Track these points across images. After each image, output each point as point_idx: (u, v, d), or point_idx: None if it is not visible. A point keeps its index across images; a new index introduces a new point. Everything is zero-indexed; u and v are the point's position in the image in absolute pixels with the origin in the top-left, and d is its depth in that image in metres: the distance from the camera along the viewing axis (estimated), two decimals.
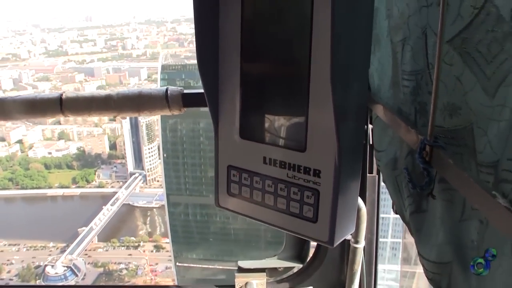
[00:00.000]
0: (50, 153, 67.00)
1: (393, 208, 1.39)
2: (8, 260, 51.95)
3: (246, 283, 2.06)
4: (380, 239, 2.20)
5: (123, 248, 54.12)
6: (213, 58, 1.27)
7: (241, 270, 2.08)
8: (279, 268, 2.13)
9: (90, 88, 71.10)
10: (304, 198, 1.16)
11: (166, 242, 48.16)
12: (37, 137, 68.48)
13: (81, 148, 68.06)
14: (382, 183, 1.96)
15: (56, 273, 48.95)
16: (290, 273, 2.18)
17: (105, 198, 59.57)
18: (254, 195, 1.26)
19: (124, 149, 64.55)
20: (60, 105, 1.69)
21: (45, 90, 68.19)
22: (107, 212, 56.45)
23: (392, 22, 1.31)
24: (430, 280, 1.05)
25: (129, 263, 52.26)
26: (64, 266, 49.60)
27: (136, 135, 63.48)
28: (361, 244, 1.88)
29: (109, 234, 55.05)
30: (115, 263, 52.10)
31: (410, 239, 1.22)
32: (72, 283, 48.08)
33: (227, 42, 1.25)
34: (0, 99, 1.76)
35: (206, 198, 39.18)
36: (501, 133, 0.76)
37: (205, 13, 1.21)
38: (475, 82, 0.84)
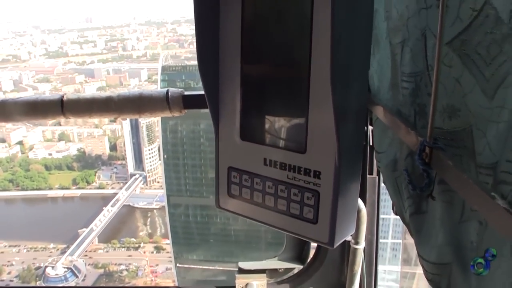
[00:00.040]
0: (50, 154, 67.06)
1: (393, 209, 1.39)
2: (8, 262, 51.97)
3: (247, 284, 2.06)
4: (381, 240, 2.20)
5: (123, 249, 54.15)
6: (214, 60, 1.27)
7: (241, 271, 2.09)
8: (279, 269, 2.14)
9: (90, 89, 71.27)
10: (305, 200, 1.16)
11: (167, 243, 48.17)
12: (37, 138, 68.54)
13: (82, 149, 68.11)
14: (382, 184, 1.97)
15: (57, 274, 48.95)
16: (291, 274, 2.18)
17: (106, 199, 59.60)
18: (255, 196, 1.26)
19: (125, 150, 64.61)
20: (61, 107, 1.70)
21: (45, 91, 68.40)
22: (107, 213, 56.47)
23: (391, 24, 1.32)
24: (429, 281, 1.05)
25: (129, 264, 52.28)
26: (64, 267, 49.61)
27: (137, 136, 63.53)
28: (361, 245, 1.88)
29: (110, 235, 55.07)
30: (115, 264, 52.12)
31: (410, 240, 1.23)
32: (73, 284, 48.17)
33: (228, 44, 1.25)
34: (2, 101, 1.77)
35: (207, 199, 39.20)
36: (500, 135, 0.76)
37: (206, 14, 1.22)
38: (474, 83, 0.85)
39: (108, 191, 62.69)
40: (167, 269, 49.88)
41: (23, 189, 63.14)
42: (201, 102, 1.60)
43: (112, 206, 57.68)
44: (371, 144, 1.76)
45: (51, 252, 52.76)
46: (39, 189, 63.64)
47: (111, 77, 79.01)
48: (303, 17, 1.07)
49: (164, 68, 45.74)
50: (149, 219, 58.58)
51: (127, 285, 50.36)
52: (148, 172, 63.66)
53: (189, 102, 1.73)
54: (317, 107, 1.09)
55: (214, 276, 39.53)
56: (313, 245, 1.78)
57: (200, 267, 40.60)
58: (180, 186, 40.85)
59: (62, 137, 69.29)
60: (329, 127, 1.04)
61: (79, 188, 64.16)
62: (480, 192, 0.76)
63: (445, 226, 0.99)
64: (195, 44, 1.24)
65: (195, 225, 40.51)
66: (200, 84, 1.26)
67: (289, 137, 1.20)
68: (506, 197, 0.72)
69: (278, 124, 1.22)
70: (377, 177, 1.95)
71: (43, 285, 49.42)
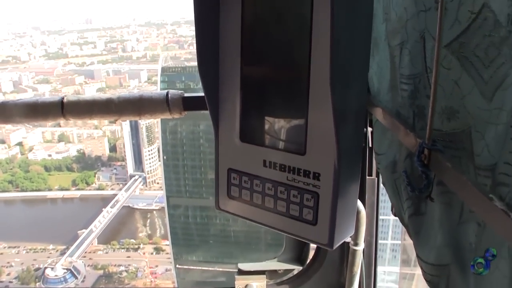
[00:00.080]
0: (50, 155, 66.98)
1: (392, 210, 1.40)
2: (8, 263, 51.89)
3: (246, 285, 2.06)
4: (380, 241, 2.20)
5: (123, 250, 54.07)
6: (214, 61, 1.28)
7: (241, 272, 2.09)
8: (279, 270, 2.14)
9: (90, 91, 71.25)
10: (304, 201, 1.16)
11: (166, 244, 48.09)
12: (37, 140, 68.48)
13: (81, 151, 68.04)
14: (381, 186, 1.97)
15: (56, 275, 48.88)
16: (290, 275, 2.18)
17: (105, 200, 59.53)
18: (254, 198, 1.27)
19: (124, 151, 64.54)
20: (61, 109, 1.70)
21: (45, 92, 68.46)
22: (107, 215, 56.39)
23: (389, 26, 1.32)
24: (428, 282, 1.06)
25: (129, 265, 52.18)
26: (64, 269, 49.52)
27: (136, 137, 63.49)
28: (361, 247, 1.89)
29: (109, 236, 54.99)
30: (115, 265, 52.03)
31: (410, 241, 1.23)
32: (72, 285, 48.12)
33: (228, 45, 1.26)
34: (2, 102, 1.77)
35: (206, 200, 39.15)
36: (498, 137, 0.77)
37: (206, 15, 1.22)
38: (472, 86, 0.85)
39: (107, 192, 62.62)
40: (166, 270, 49.82)
41: (22, 190, 63.05)
42: (201, 104, 1.60)
43: (111, 207, 57.61)
44: (370, 145, 1.77)
45: (50, 253, 52.69)
46: (39, 190, 63.54)
47: (111, 78, 78.96)
48: (303, 19, 1.07)
49: (164, 69, 45.68)
50: (148, 220, 58.51)
51: (126, 286, 50.32)
52: (148, 173, 63.59)
53: (189, 104, 1.73)
54: (317, 108, 1.10)
55: (213, 277, 39.48)
56: (313, 246, 1.79)
57: (200, 268, 40.54)
58: (179, 187, 40.80)
59: (62, 138, 69.24)
60: (329, 128, 1.05)
61: (78, 189, 64.09)
62: (478, 193, 0.77)
63: (444, 227, 1.00)
64: (195, 45, 1.24)
65: (195, 226, 40.45)
66: (200, 85, 1.27)
67: (289, 138, 1.20)
68: (504, 198, 0.72)
69: (278, 126, 1.22)
70: (376, 178, 1.95)
71: (43, 286, 49.31)
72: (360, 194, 1.52)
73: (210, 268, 39.72)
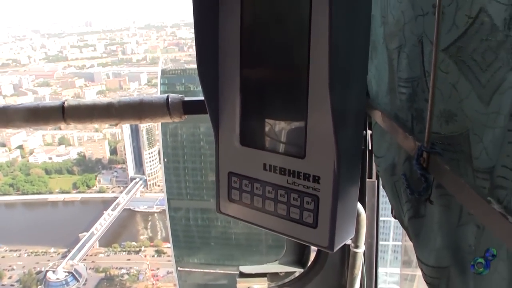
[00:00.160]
0: (50, 158, 67.02)
1: (392, 213, 1.40)
2: (9, 266, 51.86)
3: None
4: (382, 242, 2.21)
5: (124, 253, 54.04)
6: (213, 64, 1.28)
7: (242, 275, 2.09)
8: (280, 272, 2.14)
9: (90, 93, 71.27)
10: (304, 204, 1.17)
11: (167, 247, 48.05)
12: (37, 143, 68.51)
13: (82, 153, 68.07)
14: (382, 188, 1.97)
15: (58, 278, 48.85)
16: (291, 277, 2.19)
17: (106, 203, 59.52)
18: (255, 201, 1.27)
19: (125, 154, 64.56)
20: (62, 113, 1.71)
21: (45, 95, 68.47)
22: (108, 217, 56.38)
23: (387, 29, 1.33)
24: (428, 284, 1.06)
25: (130, 268, 52.14)
26: (65, 272, 49.50)
27: (137, 140, 63.50)
28: (361, 249, 1.89)
29: (110, 239, 54.98)
30: (116, 268, 52.00)
31: (410, 242, 1.23)
32: None
33: (227, 47, 1.26)
34: (3, 107, 1.78)
35: (207, 202, 39.10)
36: (496, 140, 0.78)
37: (205, 18, 1.23)
38: (470, 89, 0.86)
39: (108, 195, 62.61)
40: (168, 272, 49.78)
41: (23, 193, 63.07)
42: (201, 108, 1.61)
43: (112, 210, 57.60)
44: (370, 148, 1.77)
45: (51, 256, 52.67)
46: (40, 193, 63.56)
47: (111, 81, 79.03)
48: (302, 22, 1.08)
49: (163, 72, 45.63)
50: (149, 223, 58.49)
51: None
52: (149, 176, 63.60)
53: (189, 107, 1.74)
54: (316, 112, 1.11)
55: (215, 279, 39.46)
56: (314, 248, 1.79)
57: (201, 270, 40.49)
58: (180, 189, 40.75)
59: (62, 141, 69.27)
60: (328, 132, 1.05)
61: (79, 192, 64.10)
62: (476, 196, 0.77)
63: (443, 229, 1.00)
64: (194, 47, 1.25)
65: (196, 228, 40.40)
66: (200, 88, 1.27)
67: (289, 142, 1.21)
68: (502, 201, 0.73)
69: (278, 130, 1.23)
70: (376, 181, 1.96)
71: None
72: (360, 196, 1.53)
73: (212, 271, 39.68)
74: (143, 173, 64.05)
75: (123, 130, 62.31)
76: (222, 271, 38.62)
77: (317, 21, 1.05)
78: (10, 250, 54.03)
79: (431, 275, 1.06)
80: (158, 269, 51.79)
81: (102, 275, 51.29)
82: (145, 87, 75.87)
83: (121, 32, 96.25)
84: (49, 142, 69.40)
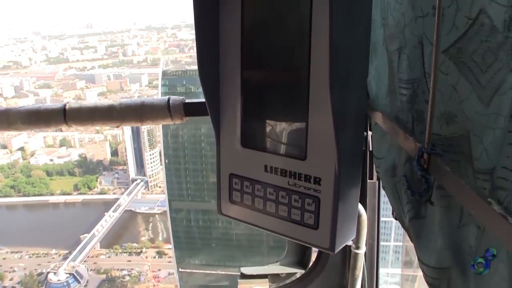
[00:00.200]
0: (51, 160, 67.12)
1: (393, 214, 1.41)
2: (11, 268, 51.89)
3: None
4: (383, 243, 2.21)
5: (125, 254, 54.05)
6: (214, 65, 1.29)
7: (243, 276, 2.09)
8: (281, 274, 2.15)
9: (91, 95, 71.36)
10: (305, 206, 1.17)
11: (169, 248, 48.07)
12: (38, 144, 68.60)
13: (83, 155, 68.17)
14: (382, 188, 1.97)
15: (59, 280, 48.87)
16: (293, 278, 2.19)
17: (107, 205, 59.57)
18: (256, 202, 1.28)
19: (126, 156, 64.61)
20: (63, 116, 1.72)
21: (46, 97, 68.53)
22: (109, 219, 56.41)
23: (387, 31, 1.33)
24: (429, 285, 1.06)
25: (131, 269, 52.16)
26: (66, 273, 49.52)
27: (138, 141, 63.54)
28: (362, 250, 1.89)
29: (112, 240, 55.00)
30: (117, 269, 52.01)
31: (411, 243, 1.24)
32: None
33: (228, 49, 1.27)
34: (5, 110, 1.79)
35: (208, 203, 39.10)
36: (496, 141, 0.78)
37: (206, 19, 1.23)
38: (470, 90, 0.86)
39: (109, 196, 62.69)
40: (169, 274, 49.79)
41: (24, 195, 63.17)
42: (202, 110, 1.61)
43: (113, 211, 57.64)
44: (370, 149, 1.77)
45: (53, 258, 52.68)
46: (41, 195, 63.66)
47: (111, 83, 79.13)
48: (302, 24, 1.08)
49: (164, 73, 45.64)
50: (151, 224, 58.51)
51: None
52: (150, 177, 63.67)
53: (190, 109, 1.74)
54: (317, 114, 1.11)
55: (216, 280, 39.46)
56: (315, 249, 1.79)
57: (202, 271, 40.49)
58: (181, 190, 40.77)
59: (63, 143, 69.37)
60: (329, 133, 1.06)
61: (80, 193, 64.17)
62: (476, 197, 0.77)
63: (444, 230, 1.01)
64: (195, 49, 1.25)
65: (197, 229, 40.41)
66: (201, 89, 1.28)
67: (289, 144, 1.21)
68: (502, 202, 0.73)
69: (279, 131, 1.23)
70: (377, 182, 1.96)
71: None
72: (361, 197, 1.53)
73: (213, 272, 39.68)
74: (144, 175, 64.12)
75: (124, 131, 62.30)
76: (223, 272, 38.62)
77: (317, 23, 1.05)
78: (12, 252, 54.06)
79: (432, 276, 1.06)
80: (159, 270, 51.82)
81: (103, 276, 51.31)
82: (146, 89, 75.95)
83: (122, 33, 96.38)
84: (50, 143, 69.50)
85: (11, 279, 50.75)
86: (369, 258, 2.08)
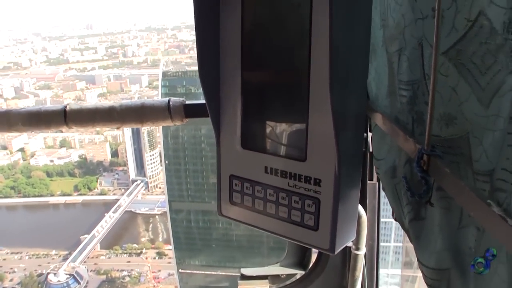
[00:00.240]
0: (52, 161, 67.14)
1: (392, 215, 1.41)
2: (11, 268, 51.89)
3: None
4: (383, 244, 2.21)
5: (125, 255, 54.04)
6: (214, 66, 1.29)
7: (244, 277, 2.09)
8: (281, 275, 2.14)
9: (91, 96, 71.40)
10: (305, 207, 1.17)
11: (169, 249, 48.07)
12: (38, 145, 68.64)
13: (83, 156, 68.20)
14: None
15: (59, 281, 48.87)
16: (293, 279, 2.19)
17: (107, 205, 59.60)
18: (256, 204, 1.28)
19: (126, 156, 64.62)
20: (64, 117, 1.72)
21: (47, 98, 68.56)
22: (109, 219, 56.43)
23: (387, 32, 1.33)
24: (429, 286, 1.07)
25: (131, 270, 52.16)
26: (66, 274, 49.52)
27: (138, 142, 63.55)
28: (362, 251, 1.89)
29: (112, 241, 55.00)
30: (117, 270, 52.00)
31: (411, 243, 1.24)
32: None
33: (228, 50, 1.27)
34: (5, 111, 1.79)
35: (208, 204, 39.11)
36: (496, 143, 0.78)
37: (206, 20, 1.23)
38: (470, 92, 0.86)
39: (109, 197, 62.72)
40: (169, 274, 49.78)
41: (24, 196, 63.19)
42: (202, 111, 1.61)
43: (113, 212, 57.65)
44: (370, 150, 1.77)
45: (53, 258, 52.68)
46: (41, 195, 63.70)
47: (112, 84, 79.17)
48: (302, 25, 1.08)
49: (164, 74, 45.64)
50: (151, 225, 58.51)
51: None
52: (150, 178, 63.69)
53: (191, 111, 1.74)
54: (317, 114, 1.11)
55: (216, 281, 39.45)
56: (315, 250, 1.79)
57: (203, 272, 40.49)
58: (181, 191, 40.78)
59: (64, 144, 69.40)
60: (329, 134, 1.06)
61: (80, 194, 64.21)
62: (476, 199, 0.78)
63: (444, 232, 1.01)
64: (195, 49, 1.25)
65: (197, 230, 40.42)
66: (201, 90, 1.28)
67: (290, 145, 1.21)
68: (502, 204, 0.73)
69: (279, 133, 1.23)
70: (377, 183, 1.96)
71: None
72: (361, 198, 1.53)
73: (213, 273, 39.68)
74: (144, 175, 64.14)
75: (124, 132, 62.36)
76: (223, 273, 38.62)
77: (317, 23, 1.05)
78: (12, 253, 54.08)
79: (431, 277, 1.06)
80: (159, 271, 51.81)
81: (103, 277, 51.31)
82: (146, 89, 76.01)
83: (122, 34, 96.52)
84: (50, 144, 69.54)
85: (11, 280, 50.74)
86: (369, 259, 2.08)
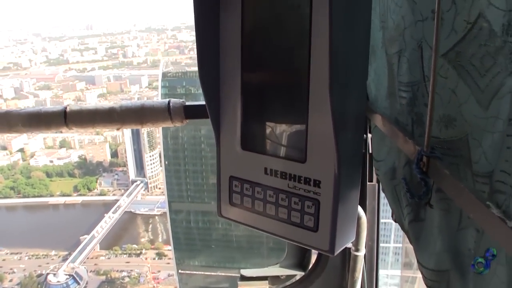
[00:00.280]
0: (51, 161, 67.10)
1: (392, 216, 1.41)
2: (10, 269, 51.85)
3: None
4: (383, 244, 2.21)
5: (125, 255, 54.00)
6: (214, 67, 1.29)
7: (243, 278, 2.10)
8: (281, 276, 2.15)
9: (91, 96, 71.39)
10: (305, 208, 1.17)
11: (168, 250, 48.03)
12: (38, 146, 68.59)
13: (83, 156, 68.16)
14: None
15: (58, 281, 48.83)
16: (292, 280, 2.19)
17: (107, 206, 59.55)
18: (256, 205, 1.28)
19: (126, 157, 64.60)
20: (64, 118, 1.72)
21: (46, 98, 68.56)
22: (109, 220, 56.39)
23: (387, 34, 1.33)
24: (429, 287, 1.07)
25: (131, 270, 52.12)
26: (66, 275, 49.47)
27: (138, 143, 63.53)
28: (362, 252, 1.89)
29: (111, 242, 54.97)
30: (117, 271, 51.97)
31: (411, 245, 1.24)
32: None
33: (228, 51, 1.27)
34: (5, 112, 1.79)
35: (208, 205, 39.07)
36: (495, 144, 0.78)
37: (206, 21, 1.23)
38: (469, 94, 0.87)
39: (109, 197, 62.68)
40: (169, 275, 49.73)
41: (24, 196, 63.14)
42: (202, 112, 1.61)
43: (113, 212, 57.62)
44: (370, 151, 1.78)
45: (52, 259, 52.65)
46: (41, 196, 63.65)
47: (111, 84, 79.13)
48: (302, 26, 1.09)
49: (164, 75, 45.59)
50: (150, 226, 58.47)
51: None
52: (150, 179, 63.64)
53: (191, 112, 1.75)
54: (317, 116, 1.11)
55: (216, 282, 39.42)
56: (315, 251, 1.79)
57: (202, 273, 40.45)
58: (181, 192, 40.74)
59: (63, 144, 69.37)
60: (329, 136, 1.06)
61: (80, 195, 64.16)
62: (475, 201, 0.78)
63: (443, 233, 1.01)
64: (195, 50, 1.25)
65: (197, 231, 40.37)
66: (201, 90, 1.28)
67: (289, 146, 1.21)
68: (501, 206, 0.73)
69: (278, 134, 1.24)
70: (377, 184, 1.96)
71: None
72: (361, 200, 1.53)
73: (213, 273, 39.63)
74: (144, 176, 64.11)
75: (124, 133, 62.29)
76: (223, 274, 38.58)
77: (317, 24, 1.05)
78: (11, 253, 54.03)
79: (431, 279, 1.06)
80: (159, 271, 51.75)
81: (103, 277, 51.27)
82: (146, 90, 75.98)
83: (122, 35, 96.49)
84: (50, 145, 69.51)
85: (10, 280, 50.68)
86: (368, 260, 2.08)
